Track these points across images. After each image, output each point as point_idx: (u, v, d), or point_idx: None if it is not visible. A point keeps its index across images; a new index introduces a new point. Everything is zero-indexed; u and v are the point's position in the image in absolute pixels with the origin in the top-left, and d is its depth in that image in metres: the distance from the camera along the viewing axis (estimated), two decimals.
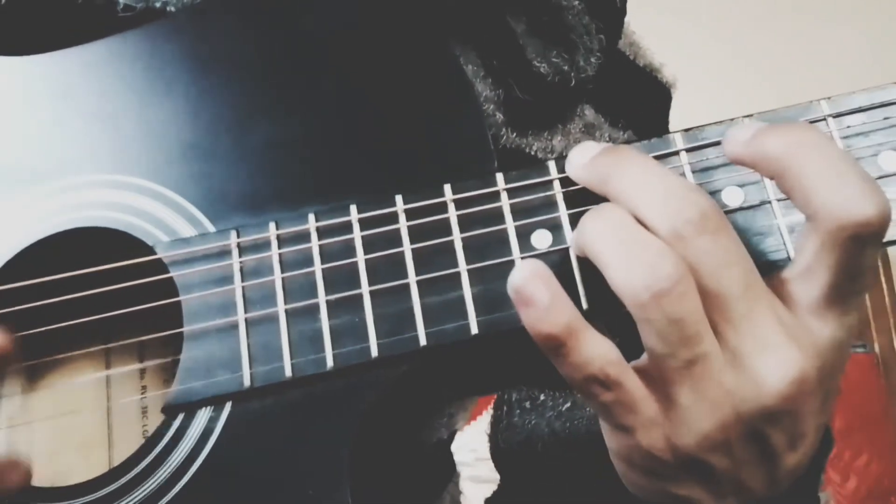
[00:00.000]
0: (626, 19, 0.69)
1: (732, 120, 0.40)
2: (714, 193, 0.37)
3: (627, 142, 0.65)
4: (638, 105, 0.68)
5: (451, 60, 0.46)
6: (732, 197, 0.38)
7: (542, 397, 0.66)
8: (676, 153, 0.39)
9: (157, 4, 0.48)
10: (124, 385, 0.43)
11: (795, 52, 2.13)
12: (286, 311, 0.38)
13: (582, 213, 0.36)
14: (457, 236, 0.38)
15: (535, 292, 0.34)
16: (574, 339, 0.34)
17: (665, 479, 0.37)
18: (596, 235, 0.35)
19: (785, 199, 0.37)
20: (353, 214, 0.39)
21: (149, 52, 0.44)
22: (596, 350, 0.35)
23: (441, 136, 0.42)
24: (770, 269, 0.36)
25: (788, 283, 0.36)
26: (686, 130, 0.39)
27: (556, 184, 0.38)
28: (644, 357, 0.36)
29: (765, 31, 2.16)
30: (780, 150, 0.34)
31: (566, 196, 0.38)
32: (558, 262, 0.37)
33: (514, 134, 0.58)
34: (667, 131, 0.71)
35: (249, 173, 0.42)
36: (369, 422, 0.37)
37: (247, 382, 0.37)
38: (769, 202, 0.37)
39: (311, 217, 0.39)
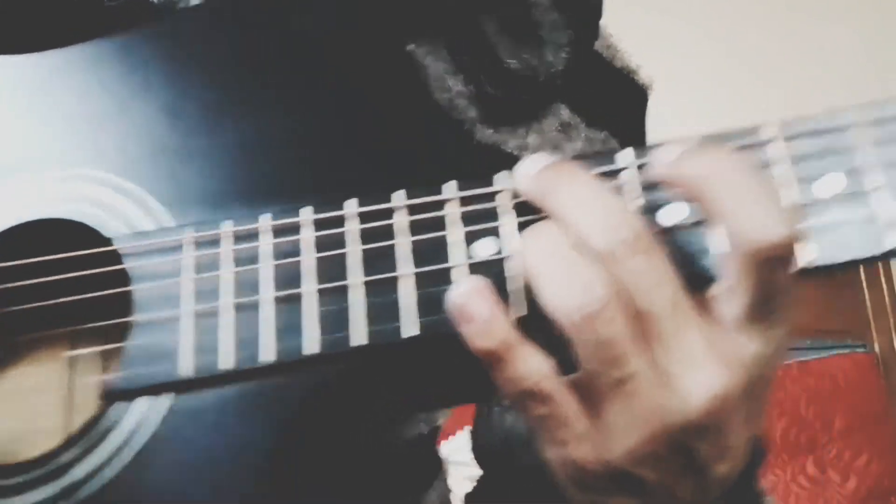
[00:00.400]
0: (604, 22, 0.71)
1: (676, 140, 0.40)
2: (659, 208, 0.38)
3: (604, 141, 0.67)
4: (615, 106, 0.70)
5: (406, 63, 0.48)
6: (677, 213, 0.38)
7: None
8: (621, 170, 0.40)
9: None
10: (88, 369, 0.45)
11: (788, 50, 2.13)
12: (233, 304, 0.39)
13: (529, 223, 0.38)
14: (404, 241, 0.39)
15: (473, 309, 0.36)
16: (510, 354, 0.36)
17: (597, 491, 0.38)
18: (532, 255, 0.36)
19: None
20: (306, 216, 0.40)
21: (128, 54, 0.46)
22: (531, 366, 0.36)
23: (394, 139, 0.44)
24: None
25: (714, 302, 0.37)
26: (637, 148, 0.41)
27: (506, 194, 0.39)
28: (580, 372, 0.37)
29: (758, 29, 2.16)
30: (698, 175, 0.36)
31: (516, 206, 0.39)
32: (502, 270, 0.38)
33: (490, 130, 0.59)
34: (644, 132, 0.73)
35: (214, 173, 0.43)
36: (309, 419, 0.39)
37: (185, 373, 0.38)
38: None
39: (266, 217, 0.40)
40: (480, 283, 0.37)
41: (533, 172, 0.39)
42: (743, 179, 0.35)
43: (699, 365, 0.36)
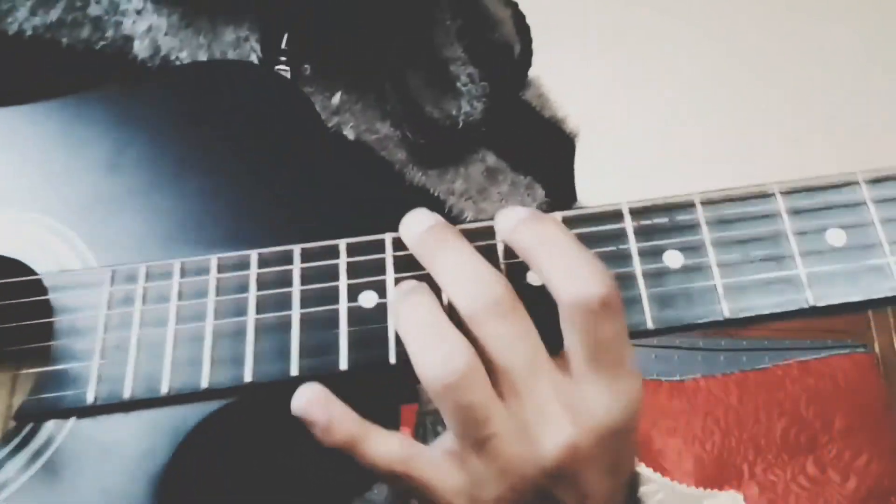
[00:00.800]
0: (536, 73, 0.76)
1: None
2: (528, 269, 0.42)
3: (529, 185, 0.71)
4: (542, 152, 0.74)
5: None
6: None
7: None
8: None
9: (97, 46, 0.55)
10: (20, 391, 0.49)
11: (789, 51, 2.13)
12: (137, 339, 0.43)
13: (407, 277, 0.42)
14: (296, 288, 0.43)
15: (313, 417, 0.40)
16: (359, 447, 0.40)
17: None
18: (401, 319, 0.40)
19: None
20: (213, 262, 0.45)
21: (82, 112, 0.51)
22: (379, 452, 0.40)
23: (299, 194, 0.48)
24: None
25: (565, 357, 0.40)
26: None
27: (388, 248, 0.44)
28: (444, 434, 0.41)
29: (758, 30, 2.16)
30: (524, 241, 0.40)
31: (396, 260, 0.43)
32: (382, 318, 0.42)
33: (419, 172, 0.64)
34: (573, 177, 0.77)
35: (140, 222, 0.48)
36: (200, 451, 0.42)
37: (89, 400, 0.42)
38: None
39: (178, 263, 0.45)
40: (316, 391, 0.40)
41: (414, 231, 0.42)
42: (559, 243, 0.39)
43: (550, 418, 0.39)
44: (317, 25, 0.61)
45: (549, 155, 0.74)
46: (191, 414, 0.42)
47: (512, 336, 0.39)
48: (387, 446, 0.41)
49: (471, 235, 0.42)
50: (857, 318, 2.06)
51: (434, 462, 0.41)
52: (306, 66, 0.60)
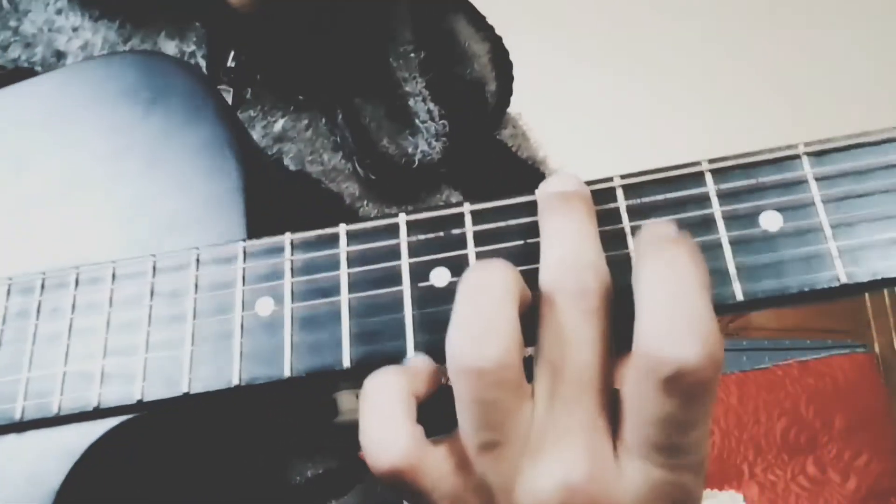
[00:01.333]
0: (518, 111, 0.71)
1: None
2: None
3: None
4: (516, 195, 0.68)
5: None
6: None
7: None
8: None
9: (27, 65, 0.53)
10: None
11: (789, 51, 2.12)
12: (30, 357, 0.41)
13: (306, 282, 0.38)
14: (190, 296, 0.40)
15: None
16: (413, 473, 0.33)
17: None
18: (461, 286, 0.33)
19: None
20: (150, 264, 0.42)
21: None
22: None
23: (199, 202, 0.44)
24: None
25: (622, 407, 0.32)
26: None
27: (288, 250, 0.39)
28: (452, 432, 0.34)
29: (759, 31, 2.15)
30: (644, 265, 0.31)
31: (293, 264, 0.39)
32: (280, 326, 0.38)
33: (374, 208, 0.59)
34: None
35: (48, 230, 0.45)
36: (98, 470, 0.40)
37: (17, 416, 0.40)
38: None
39: (110, 265, 0.42)
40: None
41: (551, 188, 0.36)
42: (681, 283, 0.30)
43: (569, 443, 0.32)
44: (267, 45, 0.57)
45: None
46: (85, 434, 0.40)
47: (580, 337, 0.32)
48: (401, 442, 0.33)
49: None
50: (857, 317, 2.05)
51: (437, 462, 0.33)
52: (248, 88, 0.56)
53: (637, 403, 0.30)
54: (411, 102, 0.61)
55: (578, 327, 0.32)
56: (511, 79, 0.69)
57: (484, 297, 0.32)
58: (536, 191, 0.36)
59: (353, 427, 0.50)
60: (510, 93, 0.69)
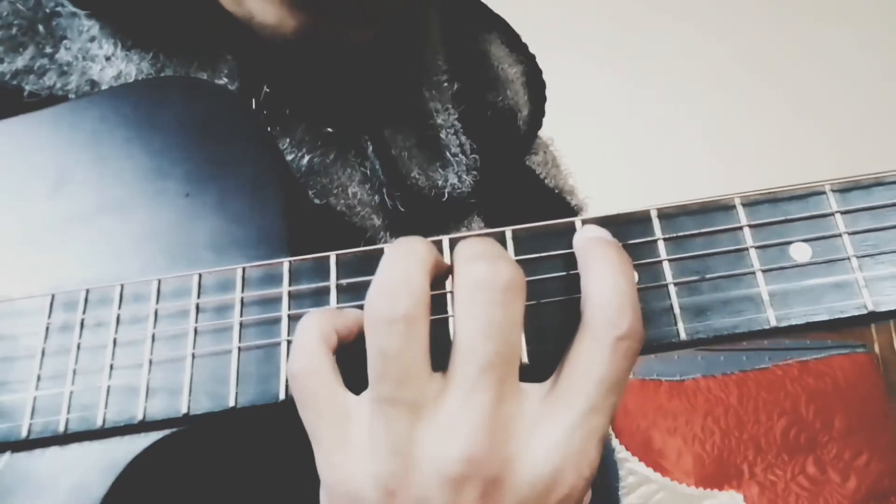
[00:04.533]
0: (551, 136, 0.70)
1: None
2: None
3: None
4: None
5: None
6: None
7: None
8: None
9: (61, 92, 0.52)
10: None
11: (789, 52, 2.13)
12: (73, 370, 0.42)
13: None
14: (236, 311, 0.42)
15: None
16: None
17: None
18: (385, 254, 0.36)
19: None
20: (195, 280, 0.43)
21: (22, 137, 0.49)
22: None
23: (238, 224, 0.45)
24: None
25: (545, 388, 0.36)
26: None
27: (333, 269, 0.41)
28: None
29: (760, 31, 2.16)
30: (579, 249, 0.37)
31: (339, 284, 0.41)
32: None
33: (394, 238, 0.58)
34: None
35: (86, 249, 0.46)
36: (139, 483, 0.41)
37: (23, 433, 0.41)
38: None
39: (118, 286, 0.44)
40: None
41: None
42: (619, 273, 0.35)
43: (474, 421, 0.34)
44: (297, 78, 0.57)
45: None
46: (129, 447, 0.41)
47: (491, 320, 0.34)
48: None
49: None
50: None
51: (332, 384, 0.36)
52: (278, 125, 0.55)
53: (574, 361, 0.35)
54: (443, 134, 0.61)
55: (497, 315, 0.34)
56: (544, 101, 0.69)
57: (402, 261, 0.35)
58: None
59: None
60: (542, 115, 0.69)
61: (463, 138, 0.62)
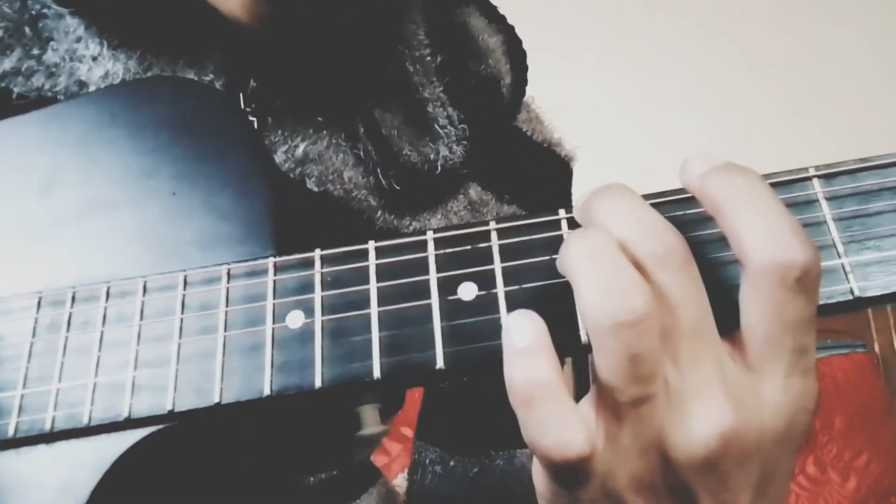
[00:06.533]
0: (531, 95, 0.71)
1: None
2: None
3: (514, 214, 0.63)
4: (535, 179, 0.69)
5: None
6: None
7: (451, 463, 0.68)
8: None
9: (49, 94, 0.53)
10: None
11: (790, 52, 2.13)
12: (60, 368, 0.41)
13: (337, 294, 0.39)
14: (221, 308, 0.41)
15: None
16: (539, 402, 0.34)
17: None
18: (574, 254, 0.34)
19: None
20: (181, 278, 0.43)
21: (10, 137, 0.49)
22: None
23: (227, 214, 0.45)
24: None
25: (739, 339, 0.34)
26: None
27: (318, 264, 0.40)
28: (594, 389, 0.35)
29: (762, 30, 2.16)
30: (718, 192, 0.34)
31: (323, 277, 0.40)
32: (310, 338, 0.39)
33: (392, 216, 0.60)
34: (570, 202, 0.71)
35: (76, 247, 0.46)
36: (126, 481, 0.40)
37: (10, 432, 0.41)
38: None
39: (104, 285, 0.43)
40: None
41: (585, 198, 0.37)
42: (763, 202, 0.33)
43: (709, 396, 0.33)
44: (283, 69, 0.57)
45: (541, 181, 0.69)
46: (116, 444, 0.40)
47: (684, 291, 0.33)
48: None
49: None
50: (857, 317, 2.06)
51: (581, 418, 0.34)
52: (269, 117, 0.56)
53: (770, 318, 0.33)
54: (430, 108, 0.61)
55: (680, 284, 0.33)
56: (525, 69, 0.69)
57: (603, 258, 0.33)
58: (574, 209, 0.37)
59: (375, 440, 0.52)
60: (525, 83, 0.69)
61: (450, 110, 0.62)
